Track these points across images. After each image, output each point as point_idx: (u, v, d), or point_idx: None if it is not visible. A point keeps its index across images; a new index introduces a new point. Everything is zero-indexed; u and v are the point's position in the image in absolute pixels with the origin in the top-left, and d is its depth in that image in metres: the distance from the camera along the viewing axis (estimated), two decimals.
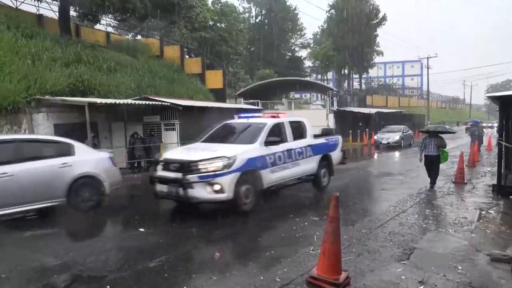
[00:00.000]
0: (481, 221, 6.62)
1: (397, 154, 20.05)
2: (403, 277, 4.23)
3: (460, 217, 6.86)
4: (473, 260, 4.76)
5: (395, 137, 22.88)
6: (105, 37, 23.59)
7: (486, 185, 9.94)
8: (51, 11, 20.39)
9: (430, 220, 6.64)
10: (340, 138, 10.59)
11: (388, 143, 22.79)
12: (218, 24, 37.79)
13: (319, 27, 59.73)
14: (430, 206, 7.77)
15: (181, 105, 14.56)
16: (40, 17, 19.68)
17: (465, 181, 10.43)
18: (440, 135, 9.67)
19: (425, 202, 8.12)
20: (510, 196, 8.43)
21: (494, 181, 9.38)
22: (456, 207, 7.68)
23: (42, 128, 12.71)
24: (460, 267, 4.50)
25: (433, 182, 9.74)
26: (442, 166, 14.26)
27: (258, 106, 25.07)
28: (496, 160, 9.77)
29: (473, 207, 7.63)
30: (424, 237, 5.69)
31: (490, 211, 7.35)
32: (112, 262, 4.83)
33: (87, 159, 7.77)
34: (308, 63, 62.72)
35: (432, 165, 9.71)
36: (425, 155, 9.74)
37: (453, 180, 10.68)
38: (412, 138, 25.54)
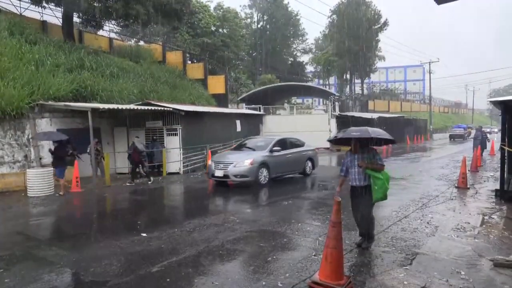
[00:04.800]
0: (484, 226, 6.59)
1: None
2: (405, 282, 4.22)
3: (463, 222, 6.84)
4: (476, 266, 4.74)
5: (244, 162, 11.02)
6: (108, 43, 23.78)
7: (489, 190, 9.91)
8: (54, 17, 20.57)
9: (432, 225, 6.62)
10: None
11: (226, 176, 11.05)
12: (220, 30, 38.02)
13: (320, 32, 60.01)
14: (433, 211, 7.75)
15: (183, 110, 14.62)
16: (44, 23, 19.85)
17: (468, 186, 10.40)
18: (373, 146, 5.54)
19: (428, 207, 8.10)
20: None
21: (497, 186, 9.34)
22: (459, 212, 7.66)
23: None
24: (463, 273, 4.48)
25: (370, 238, 5.50)
26: (444, 171, 14.39)
27: (260, 111, 25.15)
28: (499, 165, 9.73)
29: (476, 212, 7.60)
30: (426, 243, 5.67)
31: (493, 216, 7.32)
32: (114, 267, 4.84)
33: None
34: (310, 68, 62.97)
35: (359, 203, 5.48)
36: (351, 187, 5.55)
37: (456, 185, 10.65)
38: (310, 160, 13.46)
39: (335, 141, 5.97)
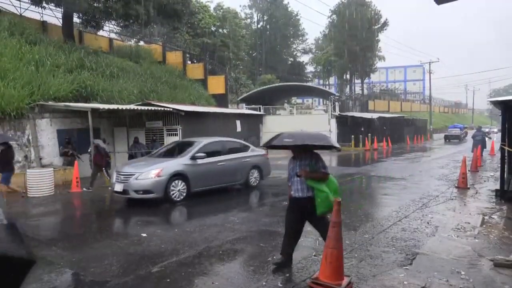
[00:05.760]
0: (484, 226, 6.59)
1: None
2: (405, 282, 4.21)
3: (463, 222, 6.84)
4: (476, 266, 4.73)
5: (148, 174, 8.67)
6: (108, 43, 23.79)
7: (489, 190, 9.91)
8: (54, 18, 20.59)
9: (432, 225, 6.62)
10: None
11: (125, 192, 8.76)
12: (220, 30, 38.05)
13: (320, 32, 60.00)
14: (433, 211, 7.74)
15: (183, 111, 14.63)
16: (43, 23, 19.87)
17: (468, 186, 10.40)
18: (316, 151, 4.85)
19: (428, 207, 8.09)
20: None
21: (497, 186, 9.34)
22: (459, 212, 7.66)
23: (46, 134, 12.79)
24: (463, 273, 4.48)
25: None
26: (444, 171, 14.40)
27: (260, 111, 25.15)
28: (499, 165, 9.73)
29: (476, 212, 7.60)
30: (426, 243, 5.67)
31: (493, 216, 7.32)
32: (114, 267, 4.84)
33: None
34: (310, 68, 63.01)
35: (301, 218, 4.78)
36: (291, 198, 4.81)
37: (456, 185, 10.65)
38: (257, 169, 11.03)
39: (270, 147, 5.09)
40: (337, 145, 4.82)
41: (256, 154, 11.19)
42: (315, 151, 4.82)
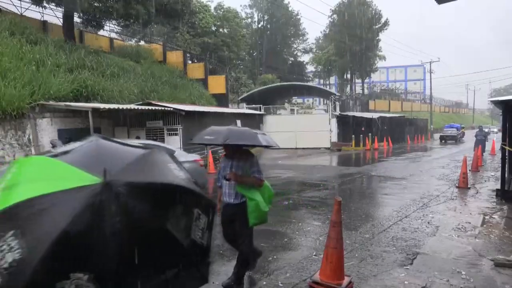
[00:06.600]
0: (484, 226, 6.59)
1: None
2: (406, 282, 4.21)
3: (463, 222, 6.83)
4: (477, 265, 4.73)
5: None
6: (108, 43, 23.81)
7: (490, 190, 9.90)
8: (55, 18, 20.62)
9: (433, 225, 6.61)
10: None
11: None
12: (220, 30, 38.01)
13: (321, 32, 60.02)
14: (433, 211, 7.74)
15: (184, 110, 14.63)
16: (44, 23, 19.88)
17: (469, 186, 10.39)
18: (248, 149, 4.12)
19: (428, 207, 8.09)
20: None
21: (498, 186, 9.33)
22: (459, 212, 7.65)
23: (46, 133, 12.80)
24: (463, 272, 4.48)
25: (238, 279, 4.08)
26: (444, 171, 14.41)
27: (260, 111, 25.16)
28: (500, 165, 9.72)
29: (476, 212, 7.60)
30: (427, 242, 5.67)
31: (493, 216, 7.31)
32: None
33: None
34: (310, 68, 62.98)
35: (232, 227, 4.17)
36: (223, 203, 4.18)
37: (457, 185, 10.64)
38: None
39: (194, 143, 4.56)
40: (272, 143, 3.92)
41: (182, 161, 8.64)
42: (253, 150, 4.14)
